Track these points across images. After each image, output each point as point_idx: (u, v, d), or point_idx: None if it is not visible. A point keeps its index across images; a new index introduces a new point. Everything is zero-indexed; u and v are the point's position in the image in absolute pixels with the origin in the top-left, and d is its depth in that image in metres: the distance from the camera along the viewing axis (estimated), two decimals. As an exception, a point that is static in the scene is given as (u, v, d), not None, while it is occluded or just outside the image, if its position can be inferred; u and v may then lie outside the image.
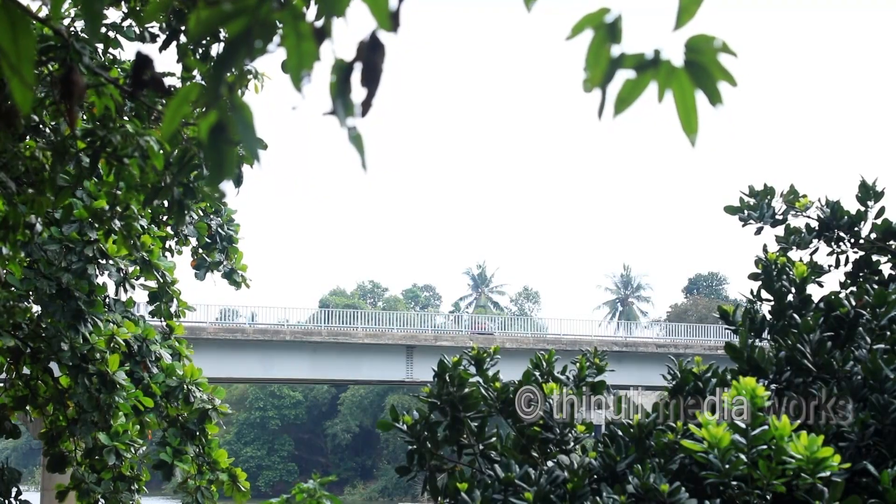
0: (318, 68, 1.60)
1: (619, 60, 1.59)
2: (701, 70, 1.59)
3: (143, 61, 2.68)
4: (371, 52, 1.60)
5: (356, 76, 1.62)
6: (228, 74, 1.56)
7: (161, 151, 4.35)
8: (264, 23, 1.52)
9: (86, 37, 4.99)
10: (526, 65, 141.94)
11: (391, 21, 1.57)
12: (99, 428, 6.87)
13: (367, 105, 1.63)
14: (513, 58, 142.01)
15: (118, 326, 7.06)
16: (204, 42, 4.67)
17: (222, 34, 4.49)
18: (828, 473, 3.36)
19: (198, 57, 4.76)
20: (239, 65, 1.56)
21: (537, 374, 4.67)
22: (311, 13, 1.63)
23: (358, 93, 1.62)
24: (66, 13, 5.29)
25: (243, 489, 7.30)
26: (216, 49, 4.81)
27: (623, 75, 1.61)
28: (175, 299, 7.65)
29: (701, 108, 1.66)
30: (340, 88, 1.59)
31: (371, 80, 1.62)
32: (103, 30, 5.64)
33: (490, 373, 4.69)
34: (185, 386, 7.19)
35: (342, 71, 1.60)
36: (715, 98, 1.61)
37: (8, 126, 2.68)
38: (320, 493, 4.16)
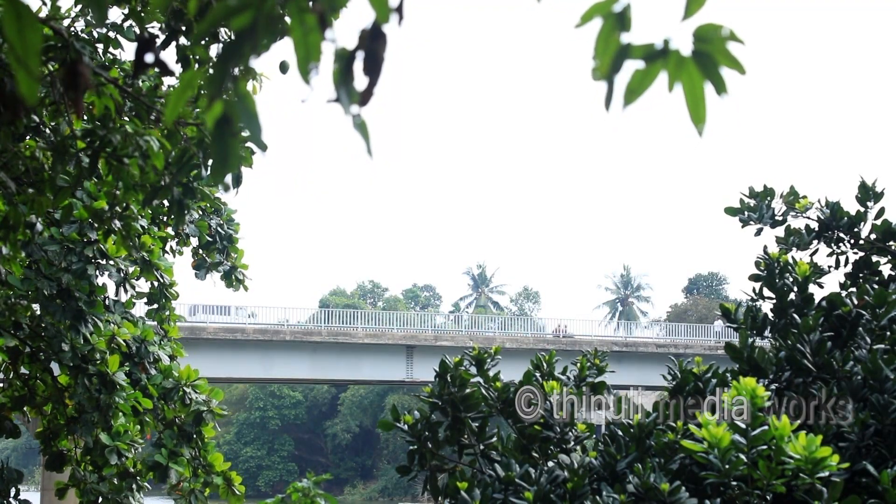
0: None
1: (628, 50, 1.59)
2: (709, 59, 1.58)
3: (145, 43, 2.67)
4: (372, 42, 1.60)
5: (358, 65, 1.62)
6: (233, 69, 1.56)
7: (161, 150, 4.35)
8: (269, 17, 1.52)
9: (86, 37, 4.99)
10: (526, 65, 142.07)
11: (391, 14, 1.57)
12: (99, 427, 6.87)
13: (368, 94, 1.64)
14: (513, 57, 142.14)
15: (118, 327, 7.06)
16: (203, 42, 4.66)
17: (222, 35, 4.50)
18: (826, 473, 3.36)
19: (198, 57, 4.75)
20: (244, 60, 1.57)
21: (538, 374, 4.67)
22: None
23: (359, 81, 1.63)
24: (67, 13, 5.29)
25: (237, 493, 7.28)
26: (216, 50, 4.81)
27: (632, 66, 1.61)
28: (166, 307, 7.65)
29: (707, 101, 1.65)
30: (343, 76, 1.59)
31: (373, 69, 1.62)
32: (103, 30, 5.65)
33: (491, 373, 4.69)
34: (181, 388, 7.18)
35: (344, 59, 1.60)
36: (720, 88, 1.61)
37: (14, 116, 2.67)
38: (315, 492, 4.16)
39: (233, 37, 1.54)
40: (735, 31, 1.60)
